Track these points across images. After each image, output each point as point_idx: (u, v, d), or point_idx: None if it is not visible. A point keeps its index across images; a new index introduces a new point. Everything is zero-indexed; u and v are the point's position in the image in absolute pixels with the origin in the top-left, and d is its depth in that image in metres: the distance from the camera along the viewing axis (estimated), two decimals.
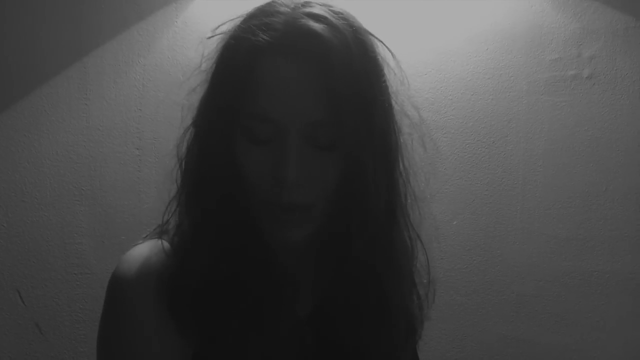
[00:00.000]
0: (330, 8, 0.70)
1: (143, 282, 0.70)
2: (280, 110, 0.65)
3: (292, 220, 0.68)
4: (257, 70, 0.66)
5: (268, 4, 0.71)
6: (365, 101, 0.67)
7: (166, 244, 0.73)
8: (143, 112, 1.39)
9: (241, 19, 0.71)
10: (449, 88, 1.42)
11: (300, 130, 0.65)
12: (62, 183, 1.37)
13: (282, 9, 0.69)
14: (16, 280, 1.36)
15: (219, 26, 0.73)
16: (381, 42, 0.73)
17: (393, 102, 0.72)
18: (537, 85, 1.42)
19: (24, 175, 1.36)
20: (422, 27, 1.40)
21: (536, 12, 1.41)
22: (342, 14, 0.70)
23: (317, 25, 0.66)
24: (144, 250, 0.73)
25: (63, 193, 1.37)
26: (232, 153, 0.68)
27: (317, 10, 0.68)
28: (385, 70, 0.72)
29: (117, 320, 0.70)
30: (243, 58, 0.66)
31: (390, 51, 0.73)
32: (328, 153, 0.67)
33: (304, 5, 0.69)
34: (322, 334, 0.75)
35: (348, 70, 0.66)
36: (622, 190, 1.41)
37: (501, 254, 1.44)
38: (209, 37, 0.73)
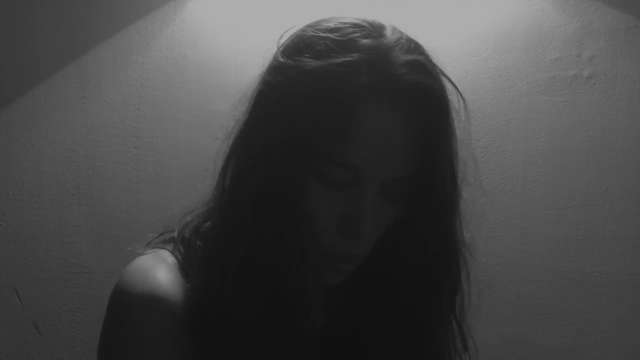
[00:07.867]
0: (417, 44, 0.66)
1: (157, 307, 0.63)
2: (376, 162, 0.60)
3: (346, 270, 0.65)
4: (357, 116, 0.59)
5: (338, 30, 0.63)
6: (451, 159, 0.66)
7: (174, 259, 0.68)
8: (141, 111, 1.38)
9: (310, 42, 0.63)
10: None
11: (383, 183, 0.62)
12: (60, 182, 1.37)
13: (365, 42, 0.62)
14: (14, 279, 1.36)
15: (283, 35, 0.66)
16: (455, 87, 0.68)
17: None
18: (537, 85, 1.41)
19: (22, 174, 1.36)
20: (421, 26, 1.39)
21: (536, 12, 1.40)
22: (429, 55, 0.65)
23: (423, 77, 0.62)
24: (155, 266, 0.66)
25: (61, 192, 1.37)
26: (301, 192, 0.61)
27: (408, 45, 0.63)
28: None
29: (127, 342, 0.63)
30: (341, 100, 0.59)
31: (462, 98, 0.68)
32: (393, 205, 0.64)
33: (381, 35, 0.63)
34: (335, 350, 0.72)
35: (447, 130, 0.63)
36: (622, 190, 1.40)
37: (500, 255, 1.43)
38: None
